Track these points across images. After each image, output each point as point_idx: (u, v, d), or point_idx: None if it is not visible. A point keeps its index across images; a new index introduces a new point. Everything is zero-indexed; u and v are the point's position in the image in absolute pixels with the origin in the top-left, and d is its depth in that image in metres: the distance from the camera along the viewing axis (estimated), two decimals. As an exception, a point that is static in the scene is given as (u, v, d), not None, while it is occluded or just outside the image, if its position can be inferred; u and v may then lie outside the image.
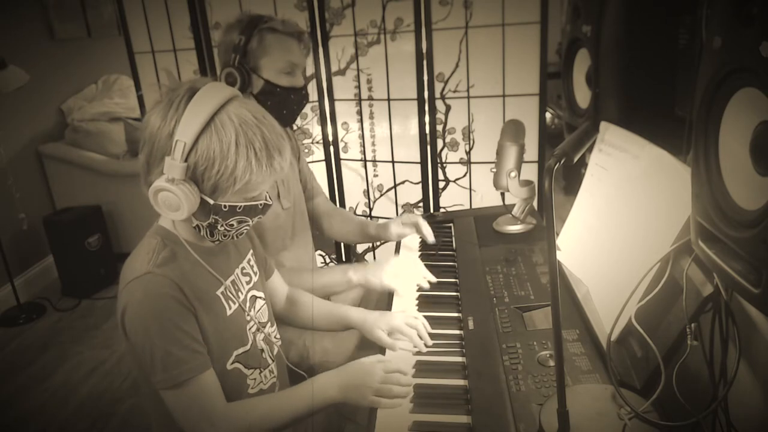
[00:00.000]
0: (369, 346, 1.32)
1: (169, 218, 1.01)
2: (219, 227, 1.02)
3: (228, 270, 1.13)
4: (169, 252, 1.03)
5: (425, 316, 1.31)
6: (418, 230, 1.63)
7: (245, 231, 1.07)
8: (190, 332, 1.00)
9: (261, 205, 1.04)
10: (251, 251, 1.24)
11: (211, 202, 0.98)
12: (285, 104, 1.54)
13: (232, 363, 1.10)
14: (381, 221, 1.79)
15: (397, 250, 1.68)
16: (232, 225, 1.03)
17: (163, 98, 0.98)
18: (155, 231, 1.07)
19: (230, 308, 1.11)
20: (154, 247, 1.04)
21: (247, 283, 1.18)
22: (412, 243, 1.71)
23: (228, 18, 1.57)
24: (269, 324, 1.22)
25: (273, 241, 1.58)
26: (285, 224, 1.62)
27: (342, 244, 2.52)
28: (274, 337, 1.23)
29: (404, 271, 1.46)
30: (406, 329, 1.23)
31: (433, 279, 1.44)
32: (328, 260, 2.58)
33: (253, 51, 1.49)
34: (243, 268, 1.18)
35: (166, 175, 0.95)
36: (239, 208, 1.01)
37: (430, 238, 1.61)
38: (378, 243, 2.43)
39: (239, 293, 1.14)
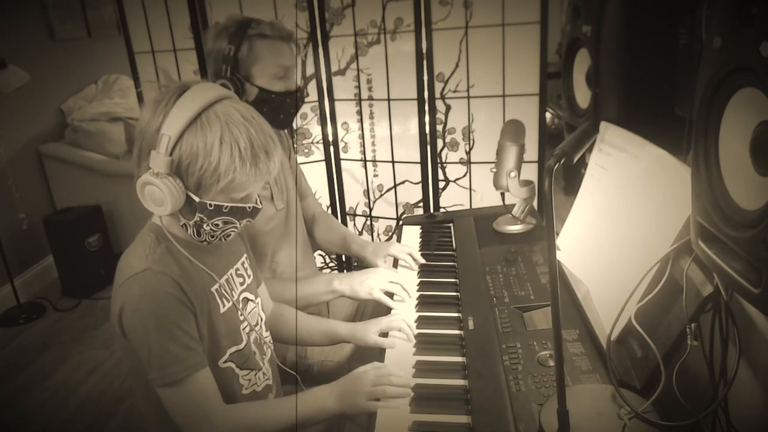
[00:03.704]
0: (366, 351, 1.32)
1: (156, 213, 1.02)
2: (205, 226, 1.01)
3: (221, 269, 1.13)
4: (165, 248, 1.04)
5: (425, 316, 1.32)
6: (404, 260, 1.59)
7: (232, 233, 1.06)
8: (187, 330, 1.00)
9: (249, 208, 1.04)
10: (245, 255, 1.24)
11: (197, 199, 0.98)
12: (281, 109, 1.52)
13: (225, 361, 1.10)
14: (368, 242, 1.75)
15: (395, 264, 1.63)
16: (218, 225, 1.02)
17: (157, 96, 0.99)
18: (149, 228, 1.07)
19: (224, 306, 1.11)
20: (150, 243, 1.04)
21: (241, 284, 1.18)
22: (411, 242, 1.71)
23: (216, 24, 1.53)
24: (260, 327, 1.22)
25: (266, 243, 1.57)
26: (278, 225, 1.60)
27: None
28: (267, 340, 1.23)
29: (391, 282, 1.44)
30: (395, 322, 1.26)
31: (408, 297, 1.41)
32: (328, 260, 2.58)
33: (244, 59, 1.45)
34: (237, 270, 1.18)
35: (152, 169, 0.96)
36: (225, 209, 1.00)
37: (415, 264, 1.57)
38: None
39: (233, 292, 1.14)
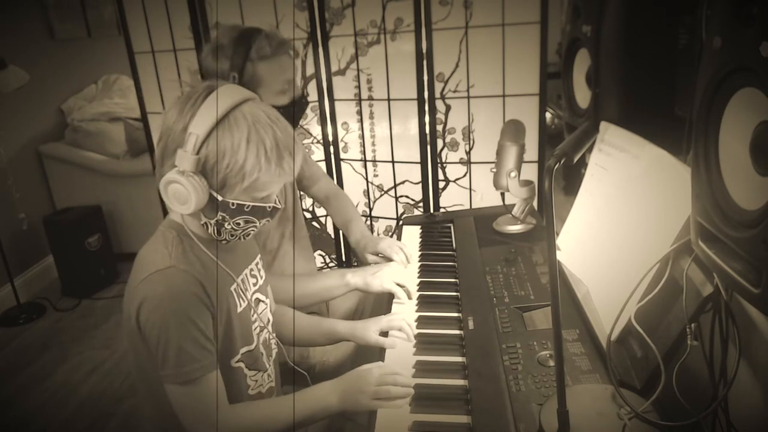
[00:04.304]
0: (366, 350, 1.32)
1: (178, 212, 1.02)
2: (226, 225, 1.02)
3: (238, 268, 1.14)
4: (187, 246, 1.04)
5: (425, 316, 1.32)
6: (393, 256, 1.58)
7: (252, 232, 1.07)
8: (205, 331, 1.01)
9: (269, 207, 1.05)
10: (259, 255, 1.24)
11: (220, 198, 0.99)
12: (288, 117, 1.52)
13: (237, 361, 1.11)
14: (366, 235, 1.74)
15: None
16: (239, 224, 1.03)
17: (183, 95, 1.00)
18: (169, 225, 1.08)
19: (240, 306, 1.11)
20: (171, 240, 1.04)
21: (254, 285, 1.19)
22: (411, 242, 1.71)
23: (212, 40, 1.50)
24: (270, 327, 1.22)
25: (267, 241, 1.58)
26: (275, 226, 1.62)
27: (342, 244, 2.52)
28: (274, 342, 1.24)
29: (402, 277, 1.46)
30: (396, 321, 1.26)
31: (410, 298, 1.40)
32: (327, 260, 2.58)
33: (249, 83, 1.44)
34: (251, 270, 1.19)
35: (177, 167, 0.96)
36: (247, 208, 1.01)
37: (405, 264, 1.57)
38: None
39: (247, 293, 1.15)
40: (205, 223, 1.03)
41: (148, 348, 1.01)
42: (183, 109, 0.97)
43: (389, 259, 1.58)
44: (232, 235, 1.05)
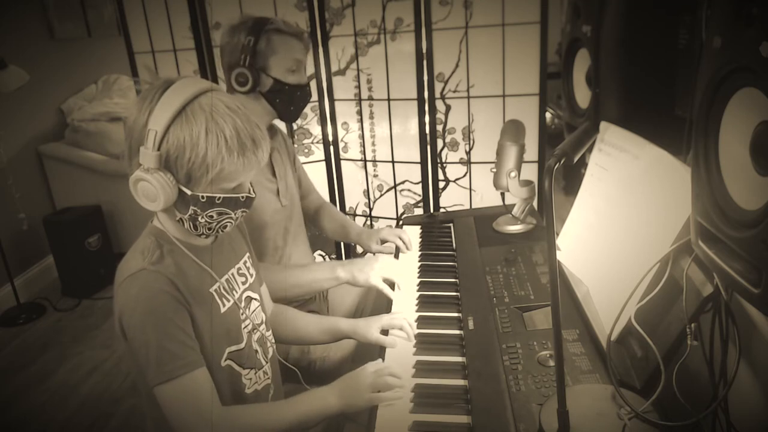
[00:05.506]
0: (367, 348, 1.32)
1: (150, 209, 1.02)
2: (200, 219, 1.01)
3: (223, 268, 1.13)
4: (165, 250, 1.04)
5: (425, 316, 1.32)
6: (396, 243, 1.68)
7: (228, 224, 1.06)
8: (183, 328, 1.00)
9: (243, 197, 1.04)
10: (248, 254, 1.24)
11: (189, 192, 0.98)
12: (292, 101, 1.58)
13: (225, 360, 1.10)
14: (365, 228, 1.84)
15: (397, 255, 1.66)
16: (213, 217, 1.02)
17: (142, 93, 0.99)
18: (149, 231, 1.08)
19: (224, 306, 1.11)
20: (148, 246, 1.04)
21: (243, 283, 1.18)
22: (411, 242, 1.71)
23: (229, 20, 1.59)
24: (264, 326, 1.22)
25: (271, 237, 1.60)
26: (282, 221, 1.64)
27: (342, 244, 2.52)
28: (270, 339, 1.23)
29: (392, 272, 1.47)
30: (397, 320, 1.27)
31: (400, 288, 1.44)
32: (327, 260, 2.58)
33: (262, 51, 1.52)
34: (239, 269, 1.19)
35: (142, 165, 0.96)
36: (218, 200, 1.00)
37: (406, 249, 1.66)
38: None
39: (234, 292, 1.14)
40: (180, 219, 1.03)
41: (134, 354, 1.01)
42: (142, 107, 0.97)
43: (391, 248, 1.65)
44: (209, 229, 1.04)
